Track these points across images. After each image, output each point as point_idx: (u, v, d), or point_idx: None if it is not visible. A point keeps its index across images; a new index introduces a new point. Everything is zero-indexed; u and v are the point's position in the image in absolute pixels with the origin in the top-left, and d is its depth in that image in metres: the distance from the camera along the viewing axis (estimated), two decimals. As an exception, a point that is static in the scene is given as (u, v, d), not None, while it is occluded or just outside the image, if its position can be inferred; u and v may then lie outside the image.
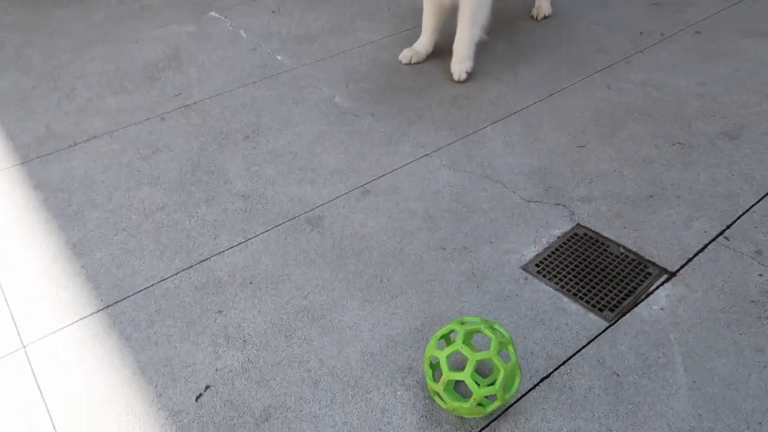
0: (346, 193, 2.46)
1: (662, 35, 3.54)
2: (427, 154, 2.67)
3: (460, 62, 3.15)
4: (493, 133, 2.78)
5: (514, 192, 2.45)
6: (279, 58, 3.44)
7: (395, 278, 2.09)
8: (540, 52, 3.39)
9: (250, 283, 2.09)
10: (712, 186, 2.44)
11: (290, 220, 2.34)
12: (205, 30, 3.76)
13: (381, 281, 2.08)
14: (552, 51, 3.41)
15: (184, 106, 3.03)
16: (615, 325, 1.91)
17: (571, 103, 2.97)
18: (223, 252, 2.21)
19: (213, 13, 3.98)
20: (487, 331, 1.62)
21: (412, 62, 3.31)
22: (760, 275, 2.06)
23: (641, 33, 3.56)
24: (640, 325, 1.91)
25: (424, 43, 3.32)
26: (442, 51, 3.31)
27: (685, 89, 3.03)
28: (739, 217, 2.29)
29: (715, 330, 1.88)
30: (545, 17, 3.74)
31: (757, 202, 2.35)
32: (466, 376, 1.54)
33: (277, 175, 2.57)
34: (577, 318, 1.94)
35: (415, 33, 3.48)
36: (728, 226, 2.25)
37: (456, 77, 3.15)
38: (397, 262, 2.16)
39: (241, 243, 2.24)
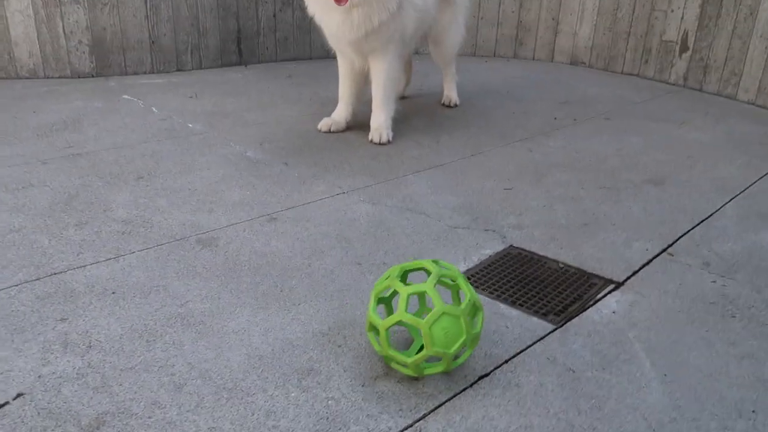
0: (248, 220, 2.13)
1: (575, 120, 3.64)
2: (343, 192, 2.42)
3: (379, 128, 3.05)
4: (415, 179, 2.60)
5: (440, 221, 2.20)
6: (190, 125, 3.24)
7: (299, 288, 1.71)
8: (460, 127, 3.37)
9: (113, 293, 1.64)
10: (646, 216, 2.29)
11: (178, 240, 1.96)
12: (114, 106, 3.56)
13: (281, 291, 1.70)
14: (471, 126, 3.40)
15: (72, 155, 2.71)
16: (563, 327, 1.59)
17: (494, 160, 2.87)
18: (84, 266, 1.77)
19: (126, 96, 3.82)
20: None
21: (332, 130, 3.18)
22: (714, 282, 1.83)
23: (555, 118, 3.66)
24: (592, 326, 1.59)
25: (341, 111, 3.21)
26: (361, 125, 3.21)
27: (604, 152, 3.02)
28: (679, 238, 2.11)
29: (678, 328, 1.59)
30: (456, 105, 3.81)
31: (695, 227, 2.20)
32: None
33: (170, 206, 2.22)
34: (518, 321, 1.60)
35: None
36: (670, 245, 2.06)
37: (377, 140, 3.02)
38: (303, 275, 1.79)
39: (110, 259, 1.82)
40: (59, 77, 4.25)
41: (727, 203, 2.41)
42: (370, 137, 3.05)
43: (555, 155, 2.96)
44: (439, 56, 3.67)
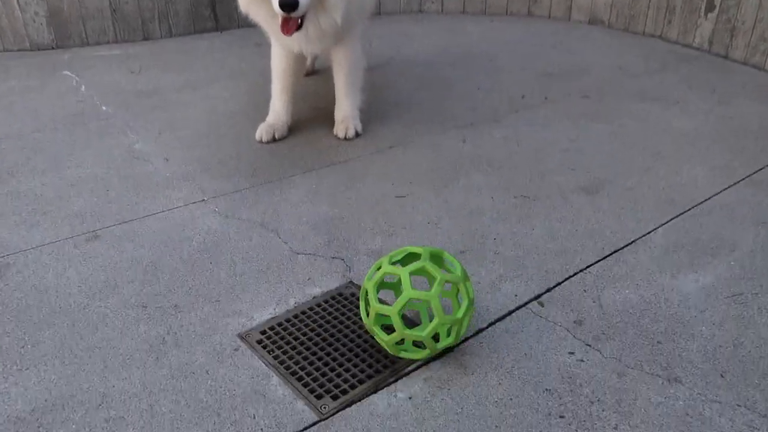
0: (65, 239, 1.87)
1: (546, 98, 3.10)
2: (202, 200, 2.11)
3: (345, 120, 2.58)
4: (300, 181, 2.24)
5: (286, 243, 1.85)
6: (104, 108, 2.99)
7: (46, 343, 1.44)
8: (401, 108, 2.94)
9: None
10: (545, 242, 1.84)
11: (-35, 266, 1.73)
12: (46, 84, 3.37)
13: (23, 347, 1.43)
14: (412, 109, 2.96)
15: (-49, 148, 2.53)
16: (327, 420, 1.23)
17: (410, 155, 2.45)
18: None
19: (66, 72, 3.61)
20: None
21: (276, 138, 2.54)
22: (571, 353, 1.40)
23: (523, 96, 3.14)
24: (368, 421, 1.23)
25: (281, 114, 2.59)
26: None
27: (551, 144, 2.52)
28: (567, 278, 1.66)
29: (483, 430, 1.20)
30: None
31: (597, 262, 1.73)
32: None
33: (-5, 217, 1.99)
34: (277, 407, 1.26)
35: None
36: (549, 289, 1.62)
37: (342, 134, 2.56)
38: (67, 322, 1.51)
39: None
40: (19, 50, 4.10)
41: (662, 225, 1.91)
42: (334, 131, 2.59)
43: (489, 148, 2.50)
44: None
